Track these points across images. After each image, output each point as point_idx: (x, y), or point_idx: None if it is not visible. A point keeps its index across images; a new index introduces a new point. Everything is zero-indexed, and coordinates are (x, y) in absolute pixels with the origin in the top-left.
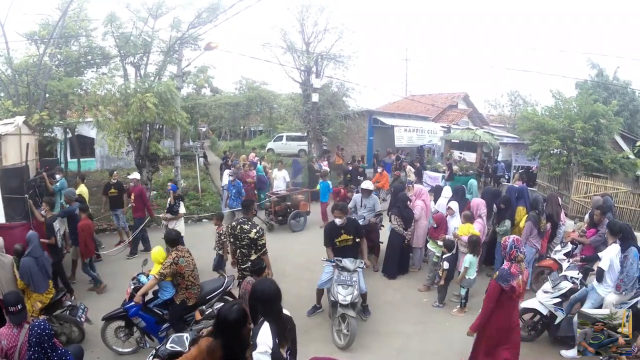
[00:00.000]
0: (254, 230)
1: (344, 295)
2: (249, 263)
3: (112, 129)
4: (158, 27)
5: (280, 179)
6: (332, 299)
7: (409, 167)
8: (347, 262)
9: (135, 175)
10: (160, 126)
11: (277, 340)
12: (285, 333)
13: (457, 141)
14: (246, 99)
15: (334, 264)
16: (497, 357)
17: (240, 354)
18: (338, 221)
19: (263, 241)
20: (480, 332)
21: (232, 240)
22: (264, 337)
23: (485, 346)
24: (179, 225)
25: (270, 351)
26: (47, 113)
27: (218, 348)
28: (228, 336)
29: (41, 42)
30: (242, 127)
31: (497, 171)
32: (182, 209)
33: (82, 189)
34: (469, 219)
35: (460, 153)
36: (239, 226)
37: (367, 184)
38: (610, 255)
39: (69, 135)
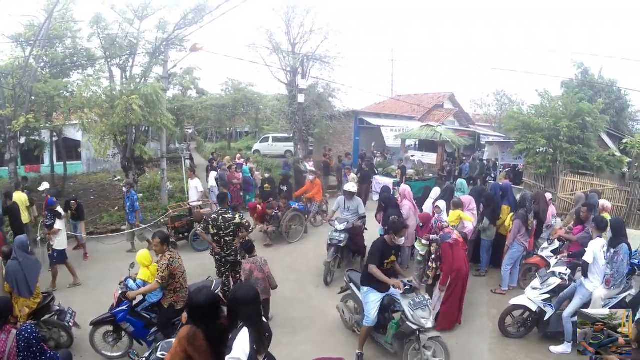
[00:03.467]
0: (237, 216)
1: (427, 317)
2: (232, 248)
3: (97, 132)
4: (144, 28)
5: (192, 189)
6: (411, 327)
7: (352, 175)
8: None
9: (44, 185)
10: (146, 128)
11: (254, 347)
12: (264, 340)
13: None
14: (232, 101)
15: (407, 287)
16: (455, 292)
17: (220, 338)
18: (401, 240)
19: (246, 221)
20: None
21: (214, 231)
22: (241, 342)
23: (450, 290)
24: (58, 241)
25: (244, 358)
26: (33, 116)
27: (198, 334)
28: (201, 319)
29: (27, 44)
30: (228, 129)
31: (462, 173)
32: (57, 224)
33: (19, 196)
34: (458, 205)
35: (412, 155)
36: (220, 217)
37: (349, 186)
38: (594, 249)
39: (55, 138)
